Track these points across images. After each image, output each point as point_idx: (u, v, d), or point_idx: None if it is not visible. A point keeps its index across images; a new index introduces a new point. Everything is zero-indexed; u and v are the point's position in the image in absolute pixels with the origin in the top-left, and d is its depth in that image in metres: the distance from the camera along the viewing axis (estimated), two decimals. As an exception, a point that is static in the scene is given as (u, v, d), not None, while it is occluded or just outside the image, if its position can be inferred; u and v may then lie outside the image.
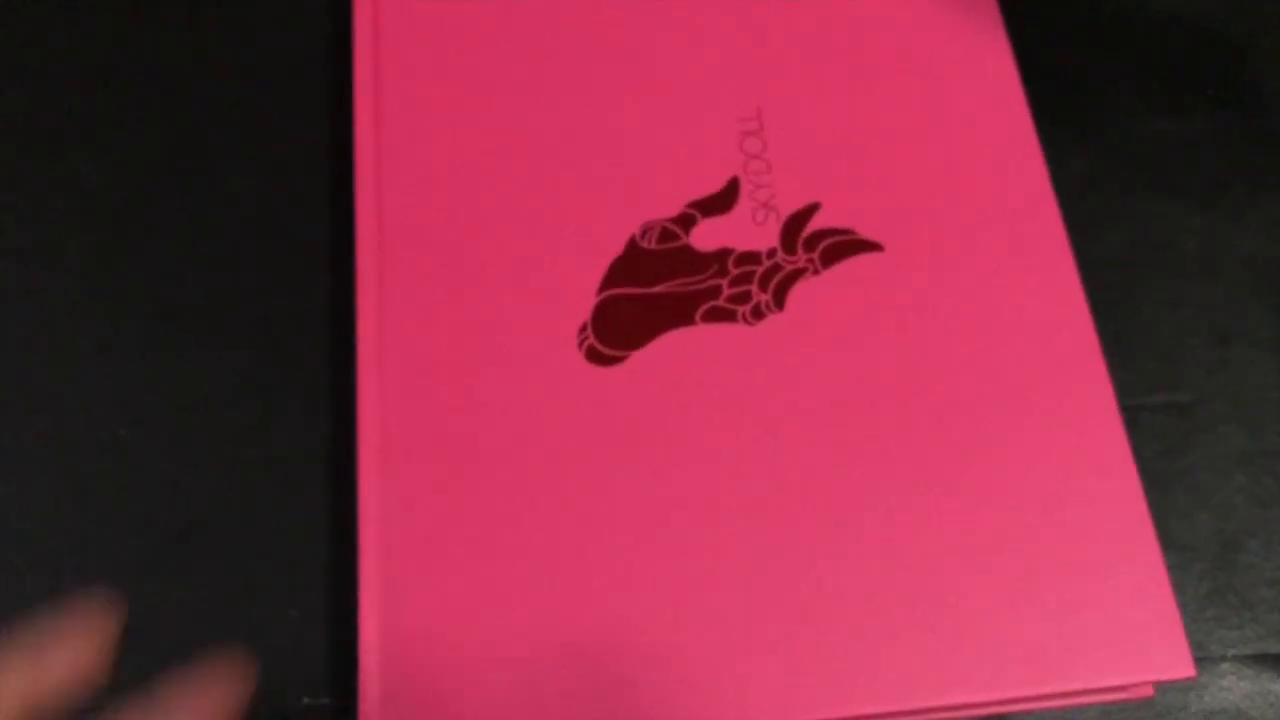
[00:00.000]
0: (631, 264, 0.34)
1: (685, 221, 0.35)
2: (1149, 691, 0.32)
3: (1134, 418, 0.35)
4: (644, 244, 0.34)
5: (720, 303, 0.34)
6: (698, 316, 0.34)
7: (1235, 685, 0.32)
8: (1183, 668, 0.29)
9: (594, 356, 0.33)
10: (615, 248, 0.34)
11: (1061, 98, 0.39)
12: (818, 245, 0.34)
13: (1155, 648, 0.30)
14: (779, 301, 0.34)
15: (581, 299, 0.34)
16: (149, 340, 0.36)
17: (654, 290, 0.34)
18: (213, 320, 0.36)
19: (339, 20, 0.40)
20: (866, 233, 0.34)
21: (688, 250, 0.34)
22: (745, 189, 0.35)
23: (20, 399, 0.35)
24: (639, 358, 0.33)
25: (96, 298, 0.37)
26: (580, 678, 0.30)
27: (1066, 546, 0.31)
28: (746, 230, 0.35)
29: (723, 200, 0.35)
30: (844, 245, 0.34)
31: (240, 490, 0.34)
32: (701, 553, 0.31)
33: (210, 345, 0.36)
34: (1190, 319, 0.36)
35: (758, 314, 0.33)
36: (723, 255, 0.34)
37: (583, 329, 0.33)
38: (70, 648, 0.24)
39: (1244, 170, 0.38)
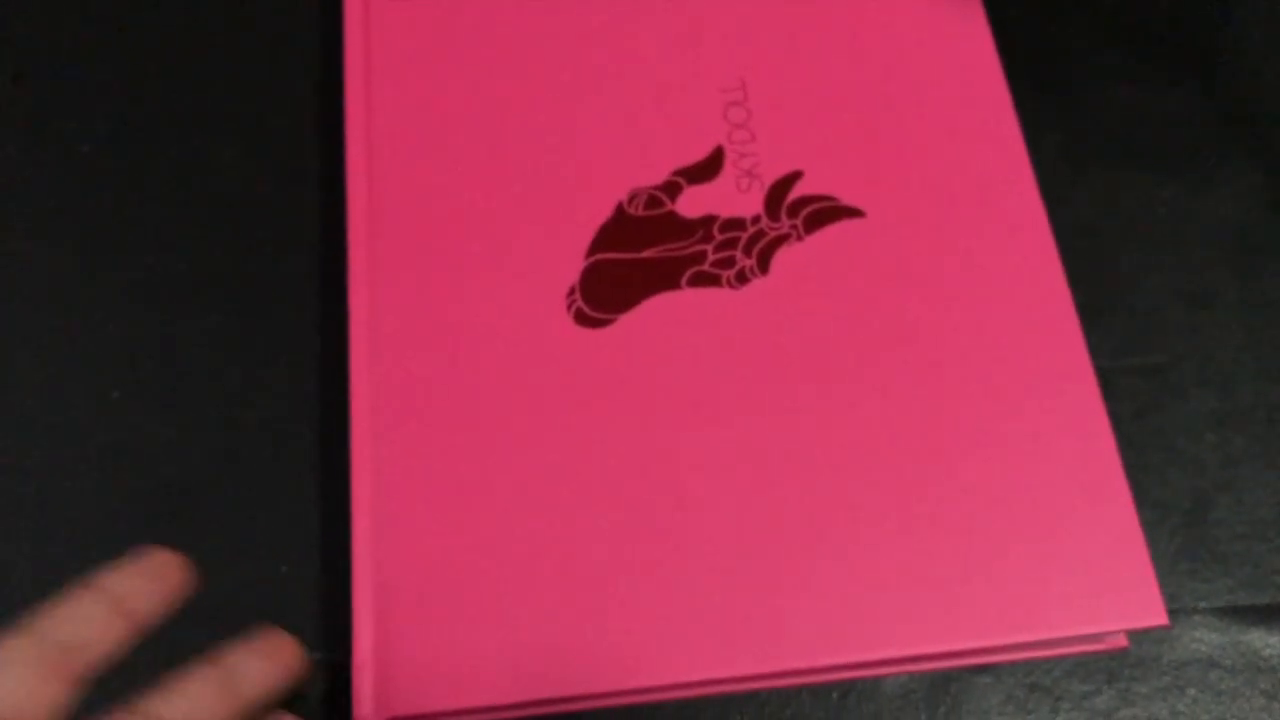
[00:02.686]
0: (619, 229, 0.35)
1: (671, 189, 0.35)
2: (1123, 642, 0.33)
3: (1109, 379, 0.35)
4: (631, 210, 0.35)
5: (705, 268, 0.34)
6: (684, 281, 0.34)
7: (1207, 637, 0.33)
8: (1155, 616, 0.30)
9: (582, 319, 0.34)
10: (603, 214, 0.35)
11: (1039, 69, 0.40)
12: (800, 212, 0.35)
13: (1128, 597, 0.30)
14: (763, 266, 0.34)
15: (570, 263, 0.34)
16: (143, 306, 0.36)
17: (641, 255, 0.35)
18: (205, 286, 0.37)
19: (332, 7, 0.40)
20: (848, 200, 0.35)
21: (674, 216, 0.35)
22: (730, 157, 0.36)
23: (16, 364, 0.36)
24: (626, 320, 0.34)
25: (91, 265, 0.37)
26: (566, 634, 0.30)
27: (1043, 502, 0.32)
28: (731, 197, 0.35)
29: (708, 168, 0.36)
30: (826, 211, 0.35)
31: (232, 451, 0.35)
32: (685, 508, 0.31)
33: (203, 310, 0.36)
34: (1162, 284, 0.37)
35: (742, 278, 0.34)
36: (708, 221, 0.35)
37: (571, 292, 0.34)
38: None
39: (1214, 141, 0.39)
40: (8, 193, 0.38)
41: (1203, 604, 0.33)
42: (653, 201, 0.35)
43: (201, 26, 0.41)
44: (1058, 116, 0.39)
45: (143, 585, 0.25)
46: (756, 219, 0.35)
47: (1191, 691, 0.33)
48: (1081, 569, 0.31)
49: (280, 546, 0.34)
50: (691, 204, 0.35)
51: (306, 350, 0.36)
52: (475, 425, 0.32)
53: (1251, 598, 0.33)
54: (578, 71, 0.37)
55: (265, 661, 0.27)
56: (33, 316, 0.36)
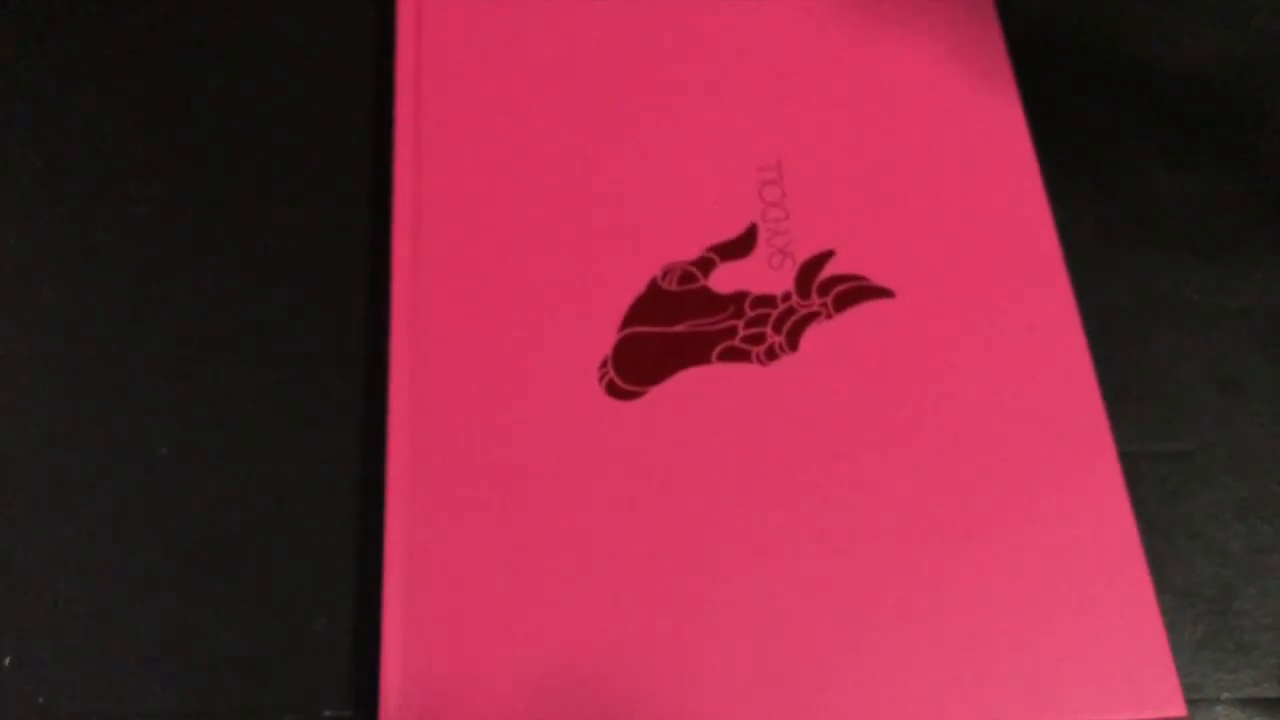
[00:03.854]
0: (652, 303, 0.36)
1: (705, 264, 0.36)
2: (1143, 731, 0.33)
3: (1136, 465, 0.36)
4: (664, 285, 0.36)
5: (736, 343, 0.35)
6: (714, 356, 0.35)
7: (1229, 727, 0.33)
8: (1174, 706, 0.30)
9: (614, 391, 0.35)
10: (637, 288, 0.36)
11: (1076, 152, 0.40)
12: (831, 290, 0.36)
13: (1148, 685, 0.31)
14: (792, 343, 0.35)
15: (604, 335, 0.35)
16: (191, 363, 0.38)
17: (673, 329, 0.35)
18: (252, 344, 0.38)
19: (382, 57, 0.42)
20: (878, 280, 0.36)
21: (706, 292, 0.36)
22: (763, 235, 0.37)
23: (68, 419, 0.37)
24: (657, 393, 0.35)
25: (142, 323, 0.38)
26: (594, 700, 0.31)
27: (1063, 585, 0.32)
28: (763, 274, 0.36)
29: (741, 245, 0.37)
30: (856, 291, 0.36)
31: (273, 507, 0.36)
32: (711, 580, 0.32)
33: (249, 368, 0.38)
34: (1193, 370, 0.37)
35: (771, 355, 0.35)
36: (739, 298, 0.36)
37: (604, 364, 0.35)
38: None
39: (1248, 228, 0.39)
40: (66, 251, 0.40)
41: (1225, 694, 0.33)
42: (686, 277, 0.36)
43: (256, 89, 0.42)
44: (1093, 200, 0.40)
45: None
46: (787, 296, 0.36)
47: (1212, 783, 0.32)
48: (1100, 655, 0.31)
49: (317, 602, 0.35)
50: (724, 280, 0.36)
51: (349, 412, 0.37)
52: (507, 490, 0.33)
53: (1276, 689, 0.33)
54: (617, 147, 0.38)
55: None
56: (86, 373, 0.38)
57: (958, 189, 0.37)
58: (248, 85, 0.42)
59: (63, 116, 0.42)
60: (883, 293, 0.36)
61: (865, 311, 0.35)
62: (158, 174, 0.41)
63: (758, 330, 0.35)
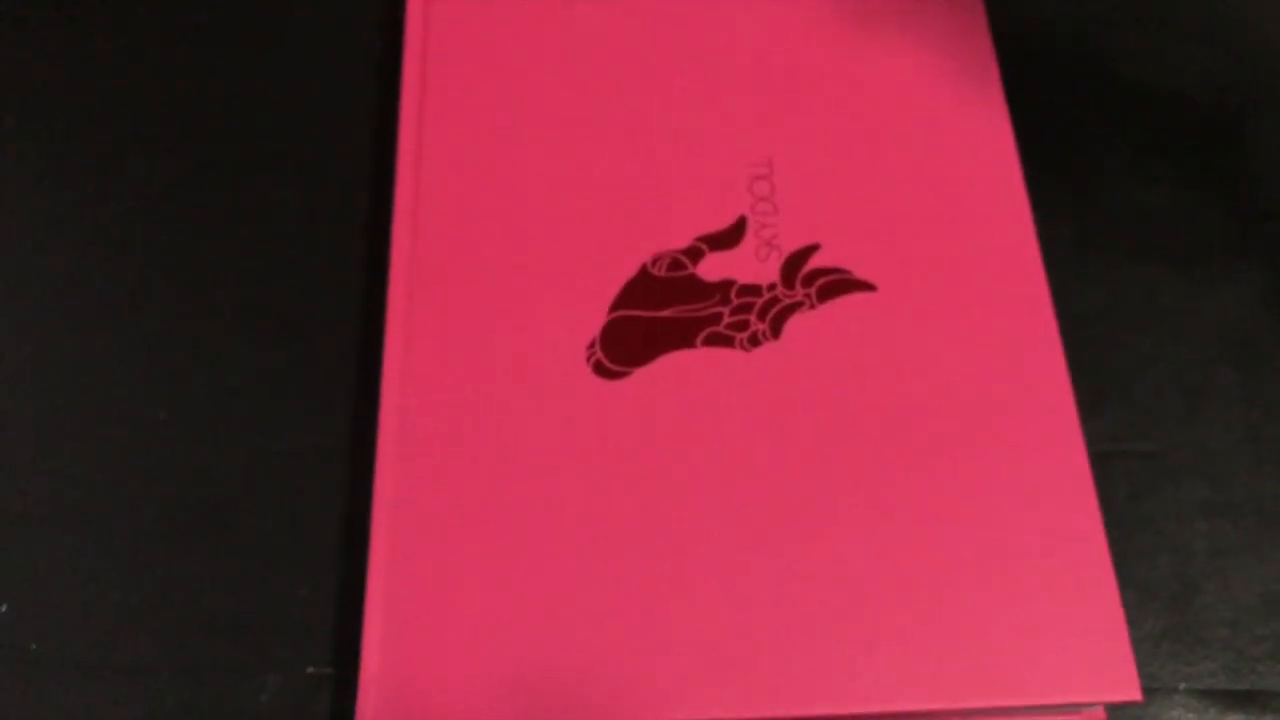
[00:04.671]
0: (641, 288, 0.37)
1: (694, 253, 0.37)
2: (1102, 716, 0.34)
3: (1105, 464, 0.37)
4: (654, 271, 0.37)
5: (720, 329, 0.36)
6: (699, 340, 0.36)
7: (1185, 717, 0.34)
8: (1129, 691, 0.31)
9: (600, 370, 0.36)
10: (628, 273, 0.37)
11: (1058, 160, 0.42)
12: (814, 282, 0.37)
13: (1105, 671, 0.31)
14: (775, 331, 0.36)
15: (593, 317, 0.36)
16: (194, 335, 0.39)
17: (660, 314, 0.37)
18: (252, 320, 0.39)
19: (388, 45, 0.43)
20: (861, 274, 0.37)
21: (694, 279, 0.37)
22: (751, 227, 0.38)
23: (75, 383, 0.38)
24: (642, 374, 0.36)
25: (149, 294, 0.40)
26: (576, 666, 0.32)
27: (1028, 573, 0.33)
28: (749, 265, 0.37)
29: (730, 236, 0.38)
30: (839, 284, 0.37)
31: (264, 477, 0.37)
32: (689, 556, 0.33)
33: (248, 340, 0.39)
34: (1163, 375, 0.38)
35: (754, 342, 0.36)
36: (726, 286, 0.37)
37: (592, 345, 0.36)
38: None
39: (1222, 240, 0.41)
40: (75, 224, 0.41)
41: (1183, 685, 0.34)
42: (675, 264, 0.37)
43: (264, 73, 0.43)
44: (1073, 208, 0.41)
45: None
46: (772, 286, 0.37)
47: (1167, 771, 0.33)
48: (1061, 641, 0.32)
49: (302, 568, 0.36)
50: (712, 269, 0.37)
51: (342, 385, 0.38)
52: (493, 463, 0.34)
53: (1232, 682, 0.34)
54: (613, 140, 0.39)
55: None
56: (92, 338, 0.39)
57: (942, 190, 0.38)
58: (253, 68, 0.44)
59: (69, 97, 0.43)
60: (865, 286, 0.37)
61: (847, 304, 0.37)
62: (165, 152, 0.42)
63: (742, 318, 0.36)
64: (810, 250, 0.37)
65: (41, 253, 0.40)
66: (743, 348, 0.36)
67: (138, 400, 0.38)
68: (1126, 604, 0.33)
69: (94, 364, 0.38)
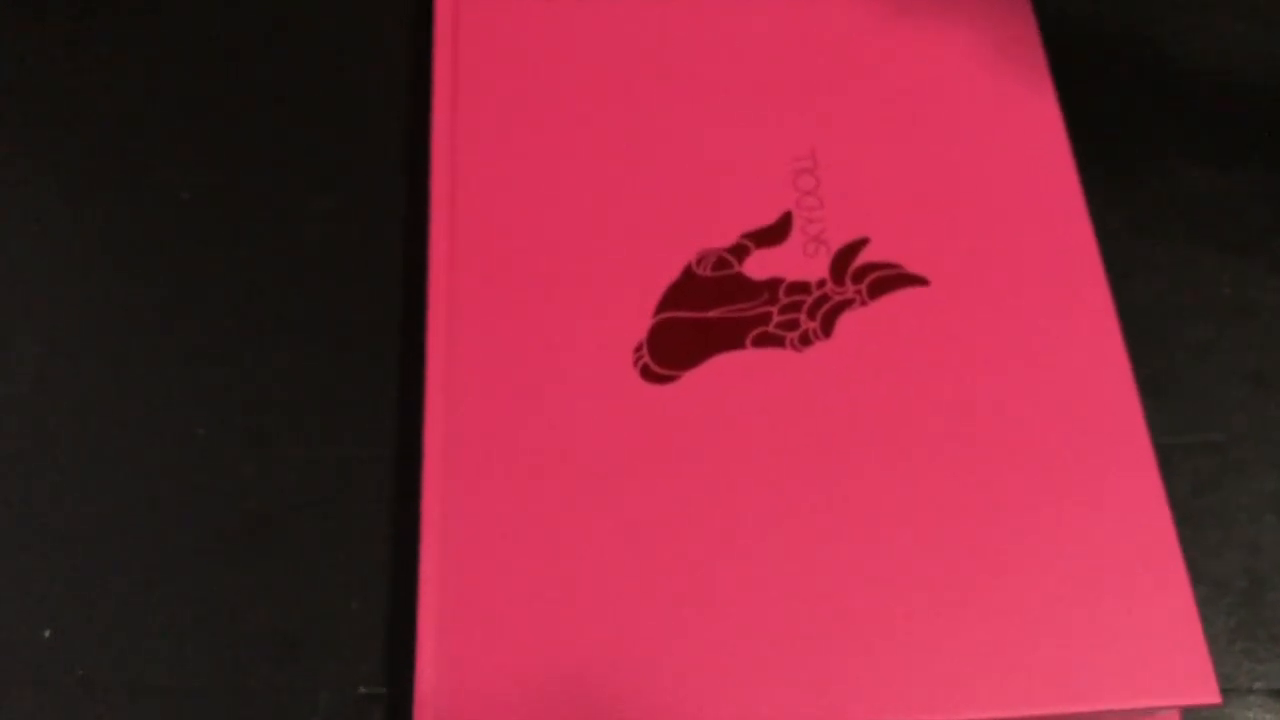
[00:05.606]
0: (687, 289, 0.36)
1: (739, 251, 0.37)
2: (1175, 719, 0.33)
3: (1169, 456, 0.36)
4: (699, 271, 0.36)
5: (770, 329, 0.35)
6: (748, 341, 0.35)
7: (1261, 718, 0.33)
8: (1208, 694, 0.30)
9: (648, 375, 0.35)
10: (672, 273, 0.36)
11: (1109, 145, 0.41)
12: (865, 278, 0.36)
13: (1181, 673, 0.31)
14: (826, 330, 0.35)
15: (639, 320, 0.36)
16: (231, 347, 0.38)
17: (707, 315, 0.36)
18: (289, 328, 0.38)
19: (420, 44, 0.42)
20: (912, 268, 0.36)
21: (740, 278, 0.36)
22: (797, 223, 0.37)
23: (111, 398, 0.37)
24: (690, 378, 0.35)
25: (185, 307, 0.39)
26: (630, 682, 0.31)
27: (1098, 574, 0.32)
28: (797, 261, 0.36)
29: (776, 232, 0.37)
30: (891, 279, 0.36)
31: (310, 489, 0.36)
32: (746, 565, 0.32)
33: (287, 351, 0.38)
34: (1226, 363, 0.37)
35: (805, 341, 0.35)
36: (774, 284, 0.36)
37: (638, 348, 0.35)
38: None
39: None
40: (111, 237, 0.40)
41: (1258, 684, 0.33)
42: (721, 263, 0.36)
43: (293, 78, 0.43)
44: (1126, 193, 0.40)
45: None
46: (822, 283, 0.36)
47: (1244, 773, 0.32)
48: (1135, 643, 0.31)
49: (351, 582, 0.35)
50: (758, 267, 0.36)
51: (385, 394, 0.37)
52: (542, 472, 0.34)
53: (1308, 681, 0.33)
54: (654, 137, 0.38)
55: None
56: (128, 355, 0.38)
57: (992, 180, 0.37)
58: (287, 74, 0.43)
59: (105, 106, 0.43)
60: (917, 280, 0.36)
61: (899, 299, 0.36)
62: (199, 161, 0.41)
63: (792, 316, 0.35)
64: (859, 244, 0.36)
65: (74, 270, 0.40)
66: (794, 348, 0.35)
67: (176, 416, 0.37)
68: (1196, 602, 0.32)
69: (130, 380, 0.38)
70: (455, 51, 0.40)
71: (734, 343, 0.35)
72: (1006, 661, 0.31)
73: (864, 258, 0.36)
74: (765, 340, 0.35)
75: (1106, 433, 0.34)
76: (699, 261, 0.36)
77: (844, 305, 0.36)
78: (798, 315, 0.35)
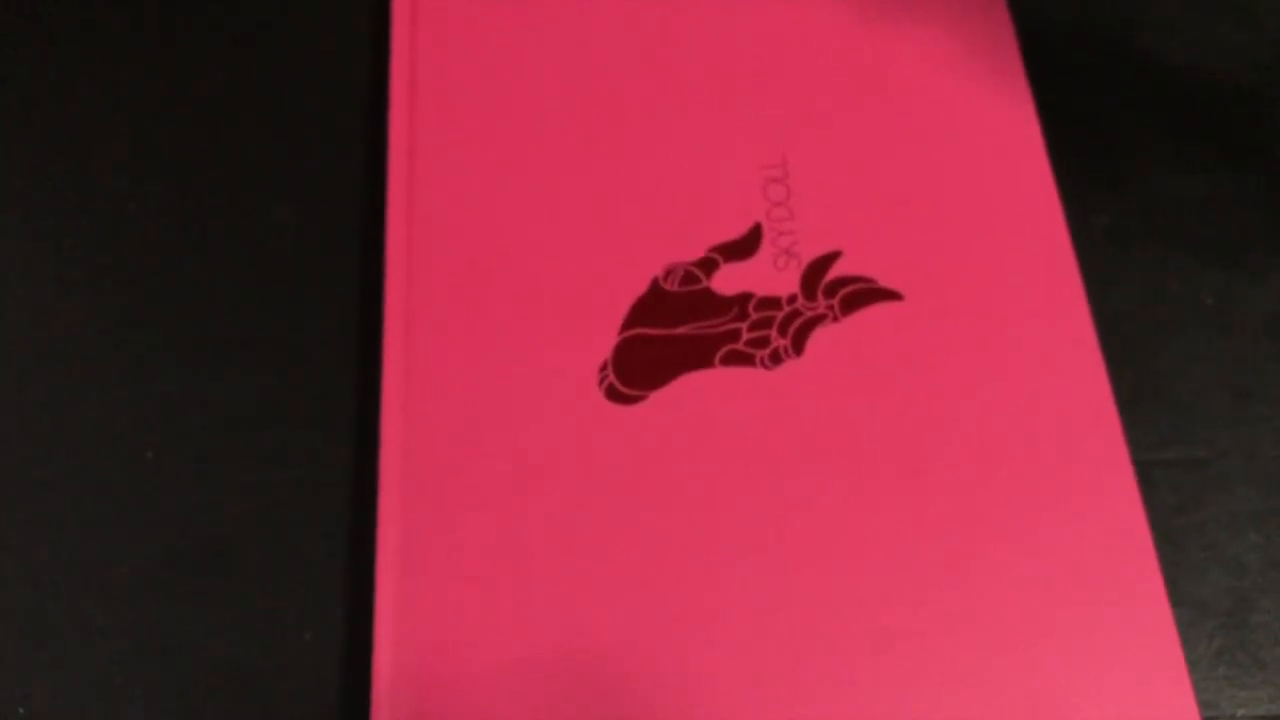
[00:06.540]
0: (653, 305, 0.35)
1: (707, 265, 0.35)
2: (1157, 747, 0.32)
3: (1148, 473, 0.35)
4: (666, 285, 0.35)
5: (740, 346, 0.34)
6: (717, 359, 0.34)
7: (1244, 745, 0.32)
8: (1189, 723, 0.29)
9: (613, 395, 0.34)
10: (638, 288, 0.35)
11: (1088, 153, 0.40)
12: (837, 292, 0.35)
13: (1161, 700, 0.30)
14: (797, 347, 0.34)
15: (603, 338, 0.34)
16: (179, 366, 0.37)
17: (675, 332, 0.34)
18: (241, 345, 0.37)
19: (377, 50, 0.41)
20: (886, 282, 0.35)
21: (709, 293, 0.35)
22: (767, 235, 0.36)
23: (52, 420, 0.36)
24: (658, 397, 0.34)
25: (130, 324, 0.38)
26: (593, 711, 0.30)
27: (1075, 596, 0.31)
28: (767, 275, 0.35)
29: (745, 245, 0.36)
30: (863, 293, 0.35)
31: (262, 514, 0.35)
32: (710, 585, 0.31)
33: (238, 372, 0.37)
34: (1207, 376, 0.36)
35: (776, 359, 0.34)
36: (743, 299, 0.35)
37: (603, 367, 0.34)
38: None
39: (1263, 231, 0.38)
40: (54, 249, 0.39)
41: (1241, 711, 0.32)
42: (688, 278, 0.35)
43: (255, 87, 0.41)
44: (1105, 201, 0.39)
45: None
46: (793, 298, 0.35)
47: (1227, 802, 0.32)
48: (1112, 668, 0.30)
49: (306, 612, 0.34)
50: (727, 281, 0.35)
51: (341, 415, 0.36)
52: (503, 497, 0.32)
53: (1292, 706, 0.32)
54: (617, 144, 0.37)
55: None
56: (71, 375, 0.37)
57: (968, 189, 0.36)
58: (240, 81, 0.42)
59: (53, 113, 0.41)
60: (891, 295, 0.35)
61: (873, 314, 0.35)
62: (148, 171, 0.40)
63: (762, 333, 0.34)
64: (831, 258, 0.35)
65: (15, 285, 0.38)
66: (764, 365, 0.34)
67: (122, 438, 0.36)
68: (1177, 625, 0.31)
69: (75, 401, 0.36)
70: (413, 60, 0.39)
71: (703, 361, 0.34)
72: (974, 686, 0.30)
73: (836, 271, 0.35)
74: (735, 358, 0.34)
75: (1084, 449, 0.33)
76: (666, 276, 0.35)
77: (816, 321, 0.34)
78: (768, 332, 0.34)
